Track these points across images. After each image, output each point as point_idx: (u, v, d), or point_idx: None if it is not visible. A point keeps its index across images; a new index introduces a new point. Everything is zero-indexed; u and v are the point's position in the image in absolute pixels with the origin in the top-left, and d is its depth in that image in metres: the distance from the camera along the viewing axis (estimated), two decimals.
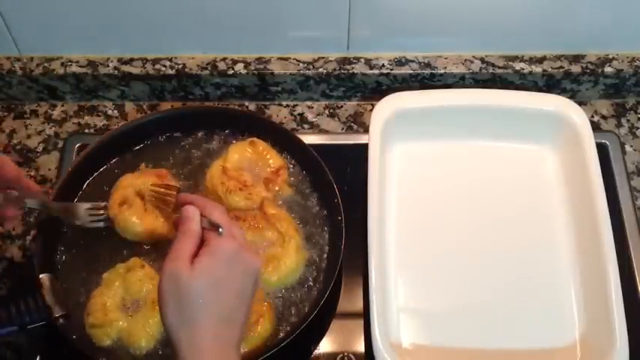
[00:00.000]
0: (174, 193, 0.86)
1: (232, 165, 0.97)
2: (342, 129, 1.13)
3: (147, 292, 0.88)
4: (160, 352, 0.86)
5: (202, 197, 0.78)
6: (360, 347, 0.92)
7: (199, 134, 1.03)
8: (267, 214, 0.93)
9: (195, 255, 0.70)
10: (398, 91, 1.04)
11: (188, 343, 0.67)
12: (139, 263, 0.90)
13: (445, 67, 1.10)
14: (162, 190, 0.89)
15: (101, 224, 0.93)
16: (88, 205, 0.93)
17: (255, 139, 1.00)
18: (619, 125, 1.13)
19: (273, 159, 0.99)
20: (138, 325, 0.86)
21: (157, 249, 0.93)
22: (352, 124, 1.13)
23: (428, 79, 1.11)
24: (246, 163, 0.98)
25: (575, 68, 1.10)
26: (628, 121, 1.14)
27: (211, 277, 0.68)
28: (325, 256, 0.93)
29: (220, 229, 0.71)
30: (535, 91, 1.12)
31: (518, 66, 1.10)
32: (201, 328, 0.67)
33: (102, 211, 0.93)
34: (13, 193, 0.86)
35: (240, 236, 0.74)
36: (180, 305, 0.67)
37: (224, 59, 1.11)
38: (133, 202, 0.93)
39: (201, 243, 0.71)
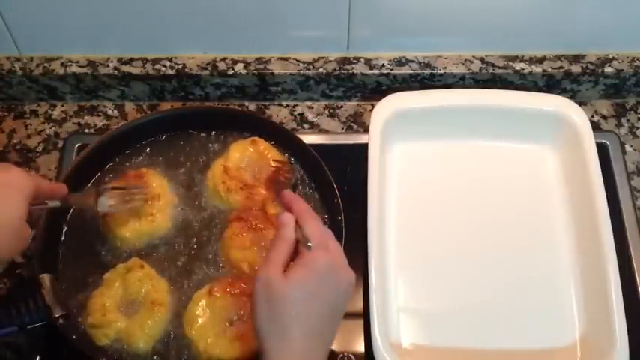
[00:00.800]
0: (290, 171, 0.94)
1: (233, 164, 0.97)
2: (342, 129, 1.13)
3: (146, 293, 0.87)
4: (159, 353, 0.86)
5: (302, 202, 0.77)
6: (360, 347, 0.92)
7: (199, 134, 1.03)
8: (268, 214, 0.93)
9: (289, 263, 0.71)
10: (398, 91, 1.04)
11: (275, 352, 0.68)
12: (138, 263, 0.90)
13: (445, 67, 1.10)
14: (280, 167, 0.94)
15: (123, 208, 0.91)
16: (107, 189, 0.90)
17: (256, 138, 1.00)
18: (619, 125, 1.13)
19: (275, 157, 0.99)
20: (136, 325, 0.86)
21: (156, 249, 0.93)
22: (352, 124, 1.13)
23: (428, 79, 1.11)
24: (247, 162, 0.98)
25: (575, 68, 1.10)
26: (628, 121, 1.14)
27: (304, 289, 0.69)
28: None
29: (309, 244, 0.71)
30: (535, 91, 1.12)
31: (518, 66, 1.10)
32: (290, 340, 0.68)
33: (120, 193, 0.91)
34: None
35: (336, 248, 0.73)
36: (271, 313, 0.68)
37: (224, 59, 1.11)
38: (114, 212, 0.93)
39: (296, 251, 0.72)
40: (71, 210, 0.96)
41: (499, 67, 1.10)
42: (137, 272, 0.89)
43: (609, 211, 0.93)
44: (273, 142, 1.01)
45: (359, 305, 0.94)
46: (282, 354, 0.67)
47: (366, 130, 1.00)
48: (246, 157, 0.98)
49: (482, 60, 1.11)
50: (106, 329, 0.85)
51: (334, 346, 0.92)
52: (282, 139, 1.01)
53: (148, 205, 0.93)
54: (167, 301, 0.88)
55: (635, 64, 1.10)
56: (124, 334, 0.86)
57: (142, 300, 0.87)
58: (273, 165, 0.96)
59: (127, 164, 1.00)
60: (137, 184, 0.94)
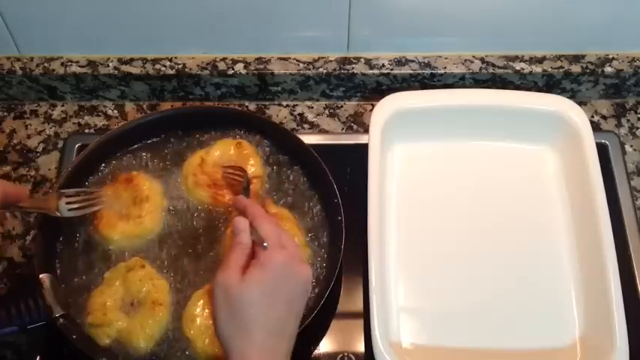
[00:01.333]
0: (242, 174, 0.92)
1: (212, 160, 0.97)
2: (342, 129, 1.13)
3: (147, 292, 0.87)
4: (159, 353, 0.86)
5: (256, 205, 0.80)
6: (360, 347, 0.92)
7: (199, 134, 1.03)
8: (269, 213, 0.92)
9: (247, 266, 0.72)
10: (398, 91, 1.04)
11: (238, 352, 0.69)
12: (139, 263, 0.90)
13: (445, 67, 1.10)
14: (230, 171, 0.93)
15: (84, 212, 0.91)
16: (68, 194, 0.90)
17: (243, 141, 0.99)
18: (619, 125, 1.13)
19: (255, 166, 0.97)
20: (137, 325, 0.85)
21: (156, 249, 0.93)
22: (352, 124, 1.13)
23: (428, 79, 1.11)
24: (226, 162, 0.97)
25: (575, 68, 1.10)
26: (628, 121, 1.14)
27: (261, 289, 0.71)
28: (325, 256, 0.93)
29: (265, 244, 0.73)
30: (535, 91, 1.12)
31: (518, 66, 1.10)
32: (252, 339, 0.69)
33: (80, 197, 0.91)
34: None
35: (292, 246, 0.75)
36: (231, 315, 0.70)
37: (224, 59, 1.11)
38: (105, 214, 0.92)
39: (253, 254, 0.74)
40: None
41: (499, 67, 1.10)
42: (138, 272, 0.89)
43: (609, 211, 0.93)
44: (273, 142, 1.01)
45: (359, 305, 0.94)
46: (244, 352, 0.69)
47: (366, 130, 1.00)
48: (227, 157, 0.98)
49: (482, 60, 1.11)
50: (106, 329, 0.85)
51: (334, 346, 0.92)
52: (282, 139, 1.01)
53: (137, 206, 0.93)
54: (167, 301, 0.88)
55: (635, 64, 1.10)
56: (124, 333, 0.85)
57: (142, 300, 0.87)
58: (224, 169, 0.95)
59: (127, 164, 1.00)
60: (127, 186, 0.95)
